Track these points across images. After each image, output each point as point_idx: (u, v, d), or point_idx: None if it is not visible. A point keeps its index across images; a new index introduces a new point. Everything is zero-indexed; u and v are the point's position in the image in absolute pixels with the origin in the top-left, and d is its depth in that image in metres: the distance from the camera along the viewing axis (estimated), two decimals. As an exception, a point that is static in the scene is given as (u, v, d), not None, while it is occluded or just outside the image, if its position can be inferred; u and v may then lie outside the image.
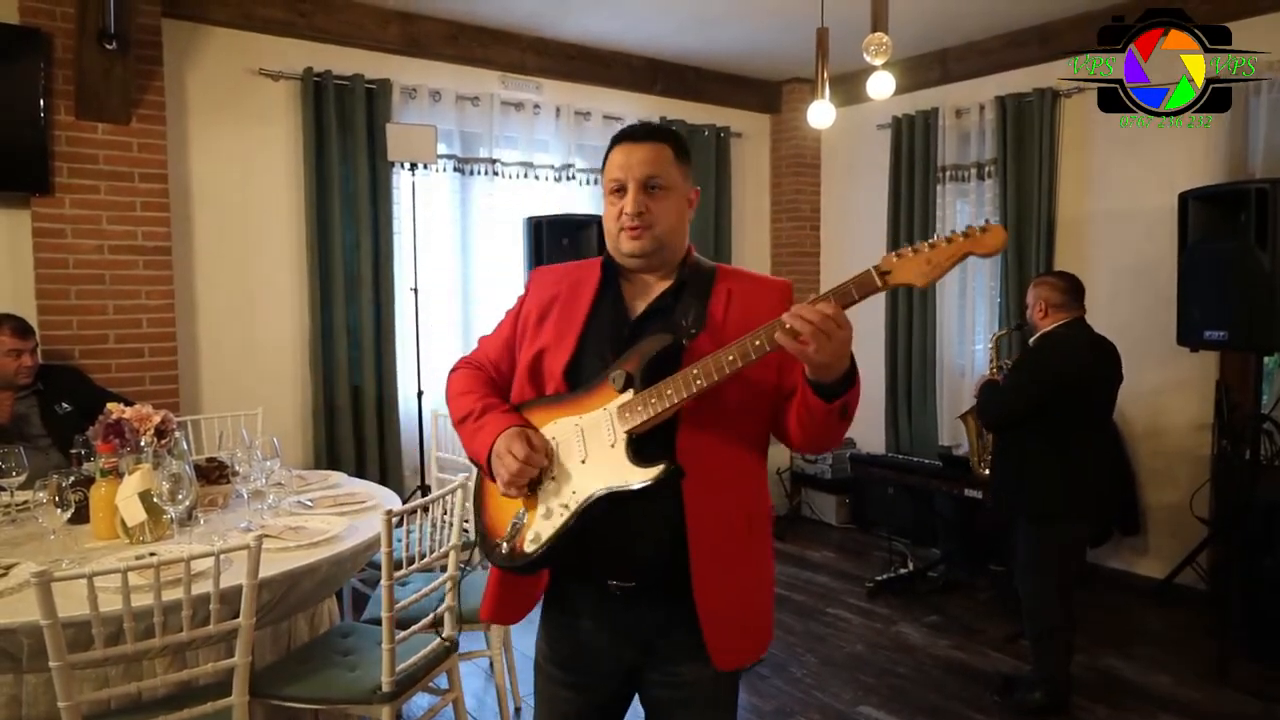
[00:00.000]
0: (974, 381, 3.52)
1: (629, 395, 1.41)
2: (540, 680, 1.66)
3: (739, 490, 1.51)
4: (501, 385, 1.64)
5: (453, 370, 1.70)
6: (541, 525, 1.45)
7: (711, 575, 1.46)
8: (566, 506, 1.44)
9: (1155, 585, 4.28)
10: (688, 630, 1.48)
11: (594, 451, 1.43)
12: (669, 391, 1.37)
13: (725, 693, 1.60)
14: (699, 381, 1.35)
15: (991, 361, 3.68)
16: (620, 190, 1.52)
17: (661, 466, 1.37)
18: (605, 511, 1.41)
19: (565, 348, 1.54)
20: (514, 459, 1.43)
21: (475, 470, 1.62)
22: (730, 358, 1.33)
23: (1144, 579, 4.40)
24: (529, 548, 1.45)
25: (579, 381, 1.51)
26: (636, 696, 1.64)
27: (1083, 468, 3.06)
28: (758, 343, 1.32)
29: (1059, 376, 3.03)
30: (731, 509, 1.49)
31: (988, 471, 3.48)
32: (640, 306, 1.56)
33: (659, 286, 1.57)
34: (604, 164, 1.57)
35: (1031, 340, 3.23)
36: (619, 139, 1.56)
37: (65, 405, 3.15)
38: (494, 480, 1.50)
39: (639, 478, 1.37)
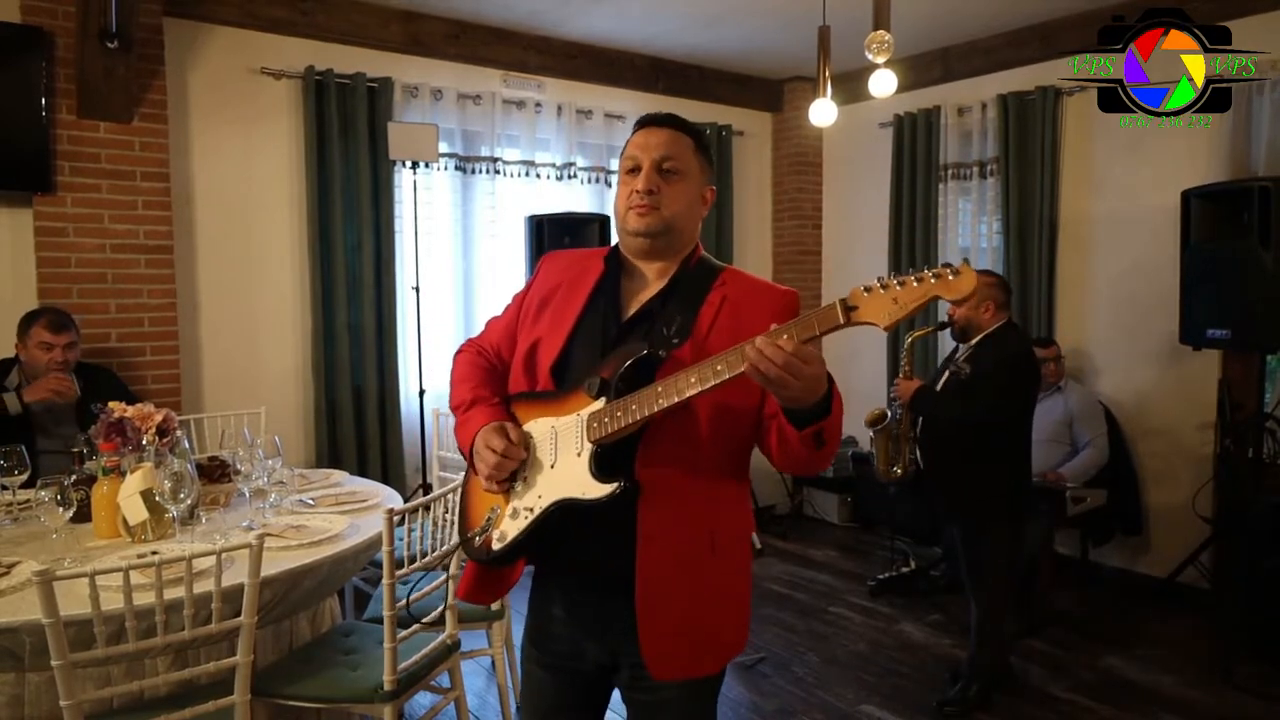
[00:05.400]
0: (894, 391, 3.29)
1: (600, 404, 1.41)
2: (523, 655, 1.70)
3: (703, 508, 1.47)
4: (501, 371, 1.65)
5: (458, 352, 1.72)
6: (508, 525, 1.49)
7: (656, 587, 1.44)
8: (531, 510, 1.46)
9: (1157, 585, 4.27)
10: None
11: (562, 457, 1.46)
12: (634, 407, 1.36)
13: (703, 695, 1.58)
14: (661, 400, 1.33)
15: (905, 364, 3.36)
16: (635, 170, 1.51)
17: (616, 484, 1.37)
18: (566, 516, 1.43)
19: (555, 343, 1.54)
20: (492, 453, 1.46)
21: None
22: (692, 379, 1.31)
23: (1146, 578, 4.39)
24: (496, 545, 1.50)
25: (565, 378, 1.51)
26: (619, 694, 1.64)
27: (1028, 464, 3.23)
28: (720, 368, 1.29)
29: (1037, 376, 3.18)
30: (691, 526, 1.46)
31: (899, 472, 3.38)
32: (634, 306, 1.55)
33: (656, 285, 1.55)
34: (623, 151, 1.57)
35: (979, 337, 3.16)
36: (642, 123, 1.55)
37: (98, 406, 3.16)
38: (476, 474, 1.53)
39: (594, 492, 1.39)
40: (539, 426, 1.50)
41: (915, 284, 1.19)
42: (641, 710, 1.58)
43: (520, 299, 1.67)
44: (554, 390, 1.51)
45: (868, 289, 1.22)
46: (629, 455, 1.42)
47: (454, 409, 1.62)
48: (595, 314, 1.55)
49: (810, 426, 1.33)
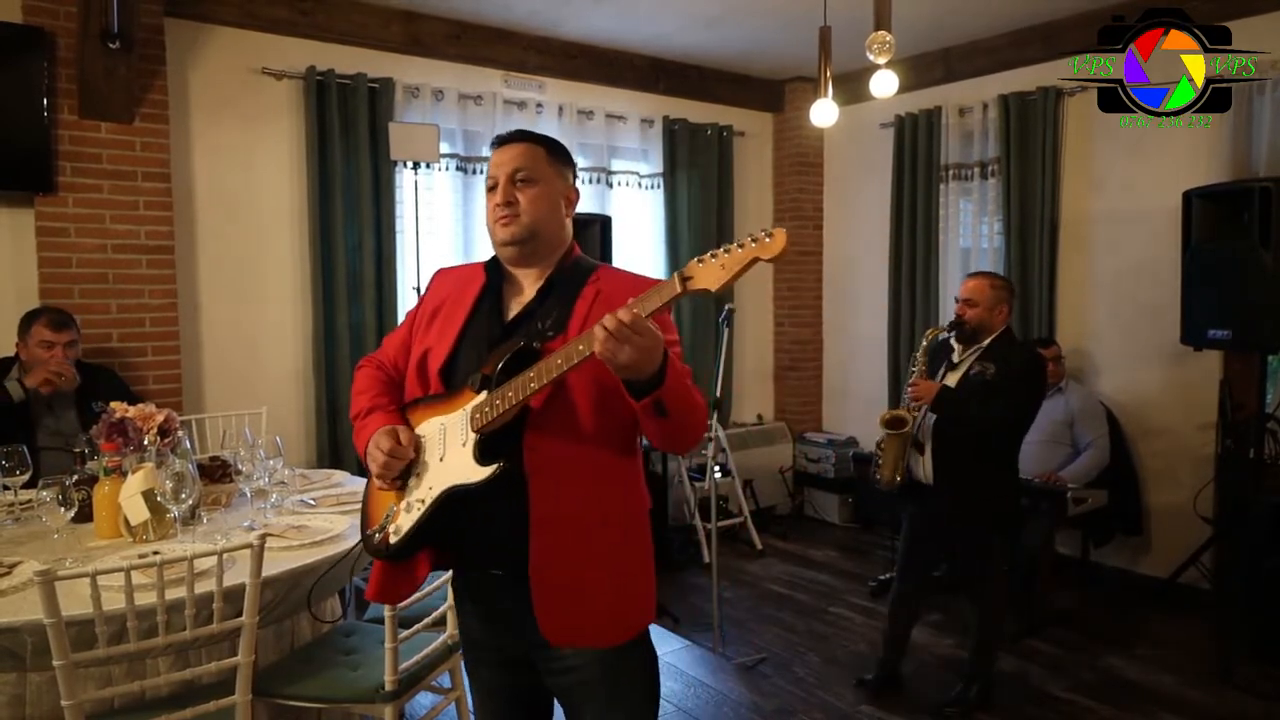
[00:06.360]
0: (911, 391, 3.18)
1: (483, 396, 1.50)
2: (465, 660, 1.82)
3: (592, 487, 1.56)
4: (398, 382, 1.75)
5: (357, 367, 1.83)
6: (403, 519, 1.58)
7: (546, 557, 1.52)
8: (423, 501, 1.55)
9: (1158, 585, 4.27)
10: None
11: (449, 450, 1.55)
12: (510, 394, 1.46)
13: (625, 670, 1.62)
14: (533, 383, 1.43)
15: (921, 364, 3.25)
16: (494, 188, 1.63)
17: (497, 465, 1.47)
18: (459, 506, 1.52)
19: (444, 349, 1.64)
20: (380, 453, 1.57)
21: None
22: (559, 361, 1.41)
23: (1147, 578, 4.39)
24: (392, 539, 1.58)
25: (454, 380, 1.61)
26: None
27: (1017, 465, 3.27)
28: (580, 347, 1.38)
29: (1047, 377, 3.26)
30: (581, 503, 1.54)
31: (899, 478, 3.34)
32: (515, 308, 1.65)
33: (534, 288, 1.65)
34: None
35: (989, 340, 3.12)
36: (495, 144, 1.67)
37: (99, 404, 3.16)
38: None
39: (477, 475, 1.48)
40: (429, 426, 1.60)
41: (739, 250, 1.31)
42: (566, 694, 1.65)
43: (413, 314, 1.78)
44: (443, 392, 1.61)
45: (700, 260, 1.33)
46: (512, 440, 1.51)
47: (353, 419, 1.72)
48: (480, 319, 1.66)
49: (646, 398, 1.41)
